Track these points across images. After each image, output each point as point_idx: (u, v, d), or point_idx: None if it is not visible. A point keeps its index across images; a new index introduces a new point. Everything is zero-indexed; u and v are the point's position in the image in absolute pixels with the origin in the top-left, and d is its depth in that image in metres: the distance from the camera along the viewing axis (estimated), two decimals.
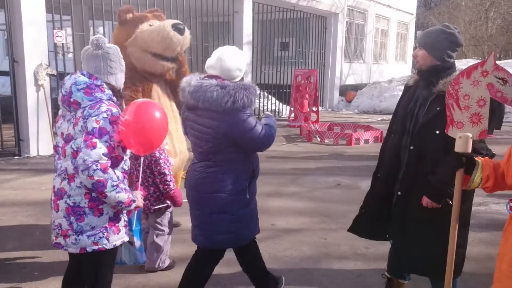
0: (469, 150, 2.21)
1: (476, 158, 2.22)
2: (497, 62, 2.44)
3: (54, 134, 7.73)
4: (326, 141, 9.38)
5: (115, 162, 2.31)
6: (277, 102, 13.85)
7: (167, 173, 3.27)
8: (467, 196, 2.55)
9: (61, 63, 8.47)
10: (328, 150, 8.63)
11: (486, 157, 2.29)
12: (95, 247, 2.29)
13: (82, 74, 2.34)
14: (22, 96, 7.37)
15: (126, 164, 2.43)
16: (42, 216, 4.69)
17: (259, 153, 2.91)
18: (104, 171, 2.16)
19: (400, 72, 20.36)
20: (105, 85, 2.33)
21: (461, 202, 2.52)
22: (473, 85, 2.14)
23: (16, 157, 7.44)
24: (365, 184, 6.12)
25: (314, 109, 11.91)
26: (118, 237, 2.37)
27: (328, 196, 5.62)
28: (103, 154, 2.17)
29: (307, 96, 11.63)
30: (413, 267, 2.74)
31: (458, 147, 2.22)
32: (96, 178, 2.14)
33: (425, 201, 2.54)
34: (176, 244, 4.01)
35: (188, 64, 9.77)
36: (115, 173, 2.24)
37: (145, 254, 3.49)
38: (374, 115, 14.45)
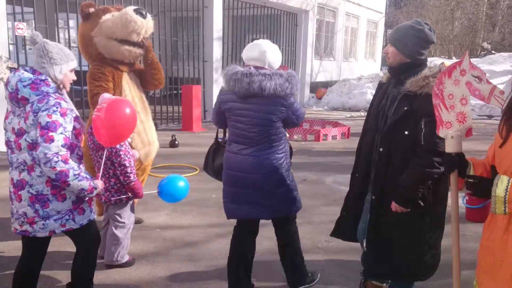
0: (461, 149, 2.10)
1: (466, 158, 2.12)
2: None
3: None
4: (295, 137, 9.44)
5: (70, 149, 2.45)
6: None
7: (127, 164, 3.26)
8: (443, 198, 2.55)
9: (25, 56, 8.23)
10: (296, 145, 8.68)
11: (473, 157, 2.17)
12: (63, 229, 2.49)
13: (26, 70, 2.41)
14: None
15: (80, 150, 2.58)
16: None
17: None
18: (65, 162, 2.33)
19: (369, 70, 20.70)
20: (49, 79, 2.42)
21: (437, 204, 2.54)
22: (455, 84, 2.12)
23: None
24: (330, 179, 6.21)
25: None
26: (83, 217, 2.57)
27: None
28: (61, 145, 2.33)
29: None
30: (388, 271, 2.68)
31: (451, 147, 2.09)
32: (58, 169, 2.30)
33: (393, 205, 2.49)
34: (137, 241, 3.97)
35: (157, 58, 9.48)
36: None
37: (104, 247, 3.48)
38: (343, 112, 14.65)
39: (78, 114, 2.56)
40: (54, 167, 2.29)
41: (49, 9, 8.89)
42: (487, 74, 2.17)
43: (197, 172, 6.42)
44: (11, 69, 7.39)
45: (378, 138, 2.59)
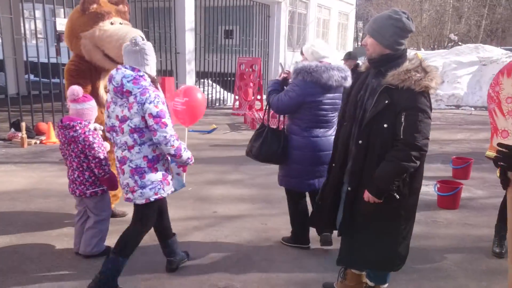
0: None
1: None
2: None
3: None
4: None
5: None
6: (222, 90, 13.77)
7: (101, 157, 3.26)
8: (414, 190, 2.57)
9: None
10: None
11: None
12: (156, 197, 2.95)
13: (126, 68, 2.86)
14: None
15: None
16: None
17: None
18: (177, 139, 2.91)
19: (342, 61, 20.88)
20: (145, 75, 2.86)
21: (411, 195, 2.55)
22: None
23: None
24: None
25: (259, 97, 11.96)
26: (169, 188, 3.06)
27: (269, 182, 5.66)
28: (172, 127, 2.88)
29: (251, 84, 11.65)
30: (362, 261, 2.71)
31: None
32: (176, 145, 2.88)
33: (366, 195, 2.51)
34: (113, 234, 3.90)
35: None
36: None
37: (80, 240, 3.45)
38: None
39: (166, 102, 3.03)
40: (173, 145, 2.86)
41: None
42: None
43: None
44: None
45: (356, 129, 2.59)
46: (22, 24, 9.00)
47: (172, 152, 2.89)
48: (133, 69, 2.86)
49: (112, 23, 3.86)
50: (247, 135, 8.89)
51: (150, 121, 2.80)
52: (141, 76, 2.86)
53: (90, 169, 3.30)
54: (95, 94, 3.84)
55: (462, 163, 5.76)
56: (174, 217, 4.35)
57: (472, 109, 13.02)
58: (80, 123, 3.23)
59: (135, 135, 2.84)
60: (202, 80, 13.07)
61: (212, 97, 13.28)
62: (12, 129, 7.80)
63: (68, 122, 3.23)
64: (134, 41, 2.90)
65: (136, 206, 3.02)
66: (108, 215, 3.53)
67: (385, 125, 2.44)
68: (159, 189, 2.95)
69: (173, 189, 3.10)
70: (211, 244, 3.84)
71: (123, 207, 4.57)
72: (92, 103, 3.34)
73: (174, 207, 4.61)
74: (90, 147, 3.21)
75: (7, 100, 8.05)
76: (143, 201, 2.93)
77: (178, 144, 2.89)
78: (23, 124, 7.41)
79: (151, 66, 2.95)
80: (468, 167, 5.73)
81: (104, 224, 3.49)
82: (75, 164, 3.32)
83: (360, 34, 42.26)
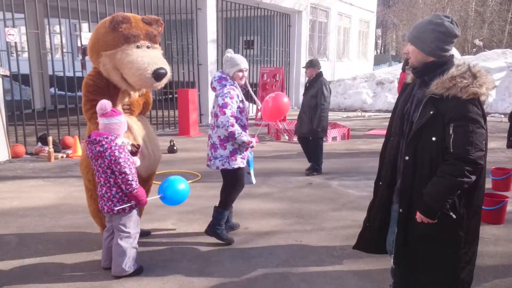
0: None
1: None
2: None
3: (7, 138, 7.30)
4: (295, 139, 9.29)
5: (236, 119, 3.81)
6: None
7: (127, 172, 3.16)
8: (475, 209, 2.36)
9: (16, 63, 7.99)
10: (297, 148, 8.52)
11: None
12: (223, 167, 3.88)
13: (218, 71, 3.96)
14: None
15: (242, 121, 3.89)
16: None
17: None
18: (232, 125, 3.73)
19: (363, 69, 20.66)
20: (228, 77, 3.89)
21: (471, 216, 2.35)
22: None
23: None
24: (336, 182, 6.08)
25: None
26: (235, 163, 3.88)
27: (300, 195, 5.51)
28: (230, 116, 3.72)
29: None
30: (419, 286, 2.49)
31: None
32: (229, 130, 3.73)
33: (418, 216, 2.32)
34: (144, 253, 3.79)
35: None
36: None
37: (110, 257, 3.39)
38: (339, 112, 14.55)
39: (244, 99, 3.92)
40: (227, 129, 3.72)
41: (40, 15, 8.66)
42: None
43: (199, 178, 6.25)
44: (3, 77, 7.17)
45: (403, 144, 2.42)
46: (48, 39, 9.08)
47: (226, 134, 3.76)
48: (222, 72, 3.92)
49: (138, 47, 3.61)
50: (272, 146, 8.76)
51: (216, 109, 3.76)
52: (224, 77, 3.89)
53: (117, 184, 3.20)
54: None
55: (502, 174, 5.50)
56: (204, 233, 4.24)
57: (502, 116, 12.62)
58: (107, 138, 3.15)
59: (214, 119, 3.82)
60: None
61: None
62: (39, 144, 7.83)
63: (94, 137, 3.15)
64: (227, 54, 3.94)
65: (221, 171, 3.99)
66: (137, 233, 3.41)
67: (433, 139, 2.27)
68: (225, 162, 3.85)
69: (240, 165, 3.91)
70: (246, 262, 3.69)
71: (142, 224, 4.48)
72: (121, 118, 3.24)
73: (203, 223, 4.51)
74: (116, 162, 3.12)
75: (34, 115, 8.09)
76: (214, 168, 3.93)
77: (232, 129, 3.71)
78: (50, 138, 7.43)
79: (229, 70, 3.89)
80: (509, 178, 5.46)
81: (133, 242, 3.36)
82: (102, 179, 3.24)
83: (379, 42, 41.94)
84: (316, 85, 6.22)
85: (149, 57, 3.59)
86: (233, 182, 4.02)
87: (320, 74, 6.33)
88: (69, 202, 5.18)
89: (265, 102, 4.34)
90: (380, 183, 2.63)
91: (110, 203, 3.25)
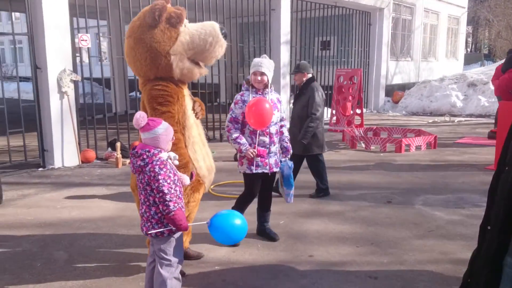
0: None
1: None
2: None
3: (79, 144, 7.37)
4: (372, 147, 8.48)
5: (238, 123, 3.93)
6: None
7: (165, 191, 2.70)
8: None
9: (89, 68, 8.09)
10: (374, 158, 7.74)
11: None
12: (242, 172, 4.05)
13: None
14: (45, 104, 7.00)
15: (249, 128, 3.91)
16: (51, 242, 4.18)
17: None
18: (228, 131, 3.91)
19: (451, 70, 18.96)
20: (244, 81, 3.99)
21: None
22: None
23: (40, 169, 7.08)
24: (421, 201, 5.26)
25: (358, 111, 11.01)
26: (241, 168, 3.98)
27: (376, 217, 4.79)
28: (228, 121, 3.92)
29: (350, 98, 10.76)
30: None
31: None
32: (227, 133, 3.93)
33: None
34: (193, 281, 3.36)
35: (223, 66, 9.11)
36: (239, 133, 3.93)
37: (151, 285, 2.96)
38: (424, 117, 13.32)
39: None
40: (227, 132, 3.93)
41: (123, 21, 8.73)
42: None
43: None
44: (74, 82, 7.23)
45: None
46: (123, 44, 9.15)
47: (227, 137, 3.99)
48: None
49: (185, 25, 3.33)
50: (346, 155, 8.03)
51: None
52: (243, 82, 4.01)
53: (157, 204, 2.78)
54: (184, 117, 3.35)
55: None
56: (263, 261, 3.72)
57: None
58: (149, 152, 2.74)
59: None
60: None
61: None
62: (109, 149, 7.84)
63: (137, 150, 2.77)
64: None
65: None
66: (177, 261, 2.94)
67: None
68: (246, 168, 3.93)
69: (247, 171, 3.93)
70: None
71: (196, 245, 4.04)
72: (162, 126, 2.81)
73: (263, 247, 4.00)
74: (155, 178, 2.70)
75: (105, 120, 8.14)
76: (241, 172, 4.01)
77: (227, 134, 3.91)
78: (118, 144, 7.38)
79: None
80: None
81: (174, 272, 2.92)
82: (143, 197, 2.84)
83: (470, 40, 38.71)
84: (307, 92, 5.18)
85: (203, 24, 3.39)
86: (245, 186, 4.07)
87: (311, 79, 5.26)
88: (126, 215, 4.93)
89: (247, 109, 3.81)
90: (489, 227, 1.94)
91: (148, 224, 2.83)
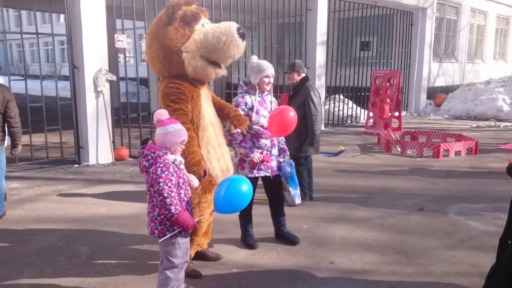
0: None
1: None
2: None
3: (113, 142, 7.54)
4: (409, 152, 8.18)
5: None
6: (354, 106, 12.76)
7: (165, 195, 2.69)
8: None
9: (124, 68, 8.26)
10: (409, 163, 7.46)
11: None
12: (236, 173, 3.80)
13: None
14: (81, 102, 7.21)
15: (253, 130, 3.82)
16: (76, 237, 4.27)
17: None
18: (231, 135, 3.82)
19: (499, 72, 18.07)
20: (243, 84, 3.95)
21: None
22: None
23: (76, 165, 7.29)
24: (455, 209, 5.01)
25: (396, 114, 10.67)
26: (243, 172, 3.86)
27: (405, 224, 4.59)
28: None
29: (387, 100, 10.44)
30: None
31: None
32: (229, 138, 3.84)
33: None
34: (209, 283, 3.32)
35: None
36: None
37: None
38: (468, 121, 12.76)
39: (254, 106, 3.82)
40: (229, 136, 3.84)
41: None
42: None
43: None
44: (111, 82, 7.40)
45: None
46: None
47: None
48: (246, 78, 3.98)
49: (203, 25, 3.31)
50: (380, 159, 7.79)
51: None
52: (241, 85, 3.96)
53: (160, 206, 2.77)
54: (199, 116, 3.33)
55: None
56: (282, 266, 3.64)
57: None
58: (154, 153, 2.73)
59: None
60: (333, 96, 12.24)
61: (343, 113, 12.35)
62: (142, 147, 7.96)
63: (143, 150, 2.77)
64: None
65: None
66: (180, 264, 2.91)
67: None
68: (236, 170, 3.81)
69: (249, 176, 3.78)
70: None
71: (216, 246, 4.00)
72: (174, 126, 2.79)
73: (284, 251, 3.91)
74: (156, 181, 2.69)
75: (139, 119, 8.28)
76: None
77: (230, 138, 3.85)
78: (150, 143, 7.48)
79: (254, 76, 3.85)
80: None
81: (175, 273, 2.89)
82: (148, 197, 2.85)
83: None
84: (302, 92, 4.97)
85: (220, 24, 3.34)
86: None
87: (306, 79, 5.05)
88: None
89: (271, 117, 3.78)
90: (509, 241, 1.77)
91: (153, 224, 2.85)
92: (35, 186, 6.08)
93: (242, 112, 3.78)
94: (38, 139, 8.14)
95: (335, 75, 11.86)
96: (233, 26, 3.29)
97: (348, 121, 12.59)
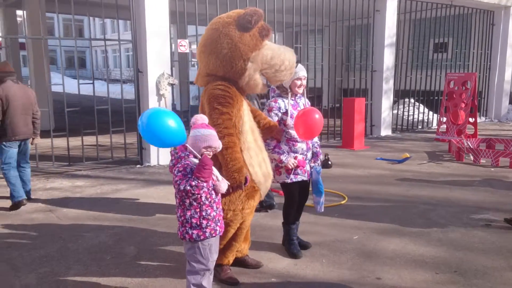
0: None
1: None
2: None
3: None
4: (482, 161, 7.52)
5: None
6: (426, 111, 12.05)
7: (181, 188, 2.64)
8: None
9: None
10: (482, 173, 6.85)
11: None
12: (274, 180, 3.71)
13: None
14: (144, 105, 7.47)
15: (288, 134, 3.71)
16: (126, 237, 4.38)
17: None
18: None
19: None
20: (275, 88, 3.78)
21: None
22: None
23: (138, 166, 7.57)
24: None
25: (471, 120, 9.90)
26: (279, 178, 3.76)
27: (468, 240, 4.17)
28: None
29: (462, 105, 9.71)
30: None
31: None
32: None
33: None
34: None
35: (326, 69, 8.75)
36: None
37: None
38: None
39: (287, 111, 3.69)
40: None
41: None
42: None
43: (345, 201, 5.40)
44: (172, 86, 7.60)
45: None
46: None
47: None
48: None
49: (266, 44, 3.34)
50: (449, 167, 7.24)
51: None
52: (273, 88, 3.81)
53: (191, 206, 2.76)
54: (241, 121, 3.27)
55: None
56: (324, 278, 3.44)
57: None
58: (176, 153, 2.76)
59: None
60: (402, 100, 11.66)
61: (413, 118, 11.71)
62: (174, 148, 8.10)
63: (171, 150, 2.80)
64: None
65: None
66: (202, 269, 2.85)
67: None
68: (275, 175, 3.66)
69: (287, 181, 3.73)
70: None
71: (258, 253, 3.88)
72: (204, 131, 2.74)
73: (328, 262, 3.72)
74: (175, 182, 2.67)
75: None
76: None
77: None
78: None
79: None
80: None
81: (197, 278, 2.82)
82: (178, 200, 2.83)
83: None
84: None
85: (284, 47, 3.41)
86: (285, 196, 3.92)
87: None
88: None
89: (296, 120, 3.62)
90: None
91: (178, 224, 2.85)
92: (98, 185, 6.38)
93: (275, 118, 3.69)
94: (105, 139, 8.55)
95: (405, 77, 11.29)
96: (294, 55, 3.40)
97: (419, 127, 11.91)
